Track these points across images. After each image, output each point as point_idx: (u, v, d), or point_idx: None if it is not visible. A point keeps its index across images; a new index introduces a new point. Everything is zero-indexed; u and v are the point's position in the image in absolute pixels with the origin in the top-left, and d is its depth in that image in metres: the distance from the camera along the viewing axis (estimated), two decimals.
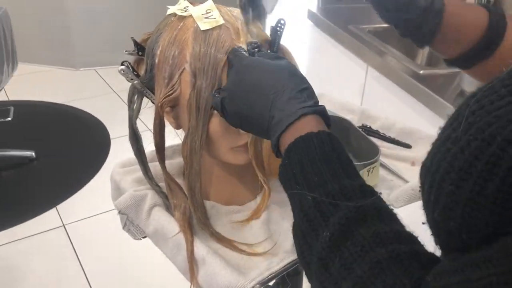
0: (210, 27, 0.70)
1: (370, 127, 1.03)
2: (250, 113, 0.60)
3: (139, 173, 0.84)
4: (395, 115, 1.53)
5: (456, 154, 0.39)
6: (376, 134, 1.01)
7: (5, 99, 3.09)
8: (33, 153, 2.59)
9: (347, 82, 1.83)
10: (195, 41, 0.70)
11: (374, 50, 1.62)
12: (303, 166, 0.51)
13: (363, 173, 0.81)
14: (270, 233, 0.77)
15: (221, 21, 0.71)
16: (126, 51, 0.84)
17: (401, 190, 0.82)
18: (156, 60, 0.74)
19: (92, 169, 2.55)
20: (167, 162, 0.86)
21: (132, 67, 0.79)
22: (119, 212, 0.80)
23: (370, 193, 0.49)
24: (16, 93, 3.15)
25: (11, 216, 2.26)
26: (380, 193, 0.49)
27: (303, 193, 0.49)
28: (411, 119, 1.43)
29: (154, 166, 0.85)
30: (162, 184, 0.82)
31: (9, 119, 2.50)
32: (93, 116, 3.03)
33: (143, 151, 0.82)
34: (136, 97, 0.79)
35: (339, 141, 0.54)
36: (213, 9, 0.73)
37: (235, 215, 0.81)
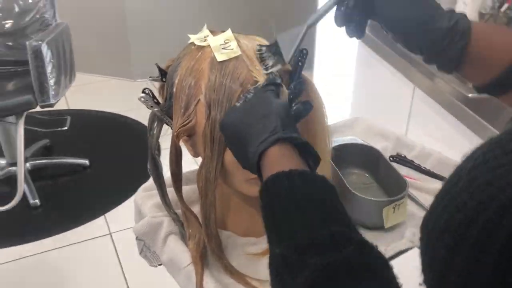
0: (226, 58, 0.69)
1: (405, 156, 0.98)
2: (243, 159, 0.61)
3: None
4: (443, 141, 1.46)
5: (452, 213, 0.36)
6: (411, 164, 0.96)
7: (66, 107, 3.24)
8: (87, 161, 2.68)
9: (394, 102, 1.76)
10: (211, 71, 0.69)
11: (421, 70, 1.54)
12: (275, 213, 0.48)
13: (389, 209, 0.77)
14: None
15: (238, 52, 0.70)
16: (150, 77, 0.84)
17: None
18: (174, 89, 0.74)
19: (141, 179, 2.61)
20: (188, 187, 0.86)
21: (152, 94, 0.79)
22: (136, 238, 0.80)
23: (346, 242, 0.44)
24: (76, 102, 3.29)
25: (64, 222, 2.35)
26: (352, 247, 0.43)
27: (271, 247, 0.46)
28: (460, 146, 1.35)
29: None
30: (180, 211, 0.81)
31: (66, 128, 2.61)
32: (146, 127, 3.10)
33: (162, 177, 0.82)
34: (156, 124, 0.79)
35: (313, 177, 0.51)
36: (231, 39, 0.71)
37: (251, 247, 0.79)
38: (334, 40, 2.31)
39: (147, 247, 0.81)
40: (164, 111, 0.78)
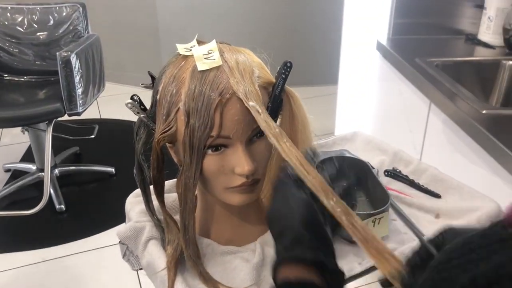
0: (207, 68, 0.70)
1: (399, 171, 0.96)
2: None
3: None
4: (457, 160, 1.41)
5: None
6: (405, 179, 0.94)
7: (98, 117, 3.34)
8: (113, 170, 2.75)
9: (410, 118, 1.73)
10: (191, 80, 0.70)
11: (438, 86, 1.51)
12: None
13: (367, 223, 0.76)
14: (259, 279, 0.74)
15: (220, 63, 0.71)
16: (142, 84, 0.87)
17: (408, 247, 0.75)
18: (158, 97, 0.76)
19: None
20: (175, 195, 0.87)
21: (140, 101, 0.81)
22: (119, 242, 0.82)
23: None
24: (107, 112, 3.40)
25: (87, 227, 2.41)
26: None
27: None
28: (476, 170, 1.30)
29: (166, 198, 0.86)
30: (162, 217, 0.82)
31: (93, 136, 2.69)
32: None
33: (147, 182, 0.83)
34: (142, 130, 0.81)
35: None
36: (214, 50, 0.73)
37: (230, 256, 0.79)
38: (357, 54, 2.30)
39: (130, 251, 0.82)
40: (150, 117, 0.79)
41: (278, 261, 0.59)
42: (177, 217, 0.79)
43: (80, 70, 2.26)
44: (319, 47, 3.63)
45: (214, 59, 0.71)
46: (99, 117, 3.35)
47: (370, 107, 2.11)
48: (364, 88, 2.18)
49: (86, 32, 2.64)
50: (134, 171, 0.83)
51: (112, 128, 3.23)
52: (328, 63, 3.07)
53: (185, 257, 0.75)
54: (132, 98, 0.80)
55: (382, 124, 2.04)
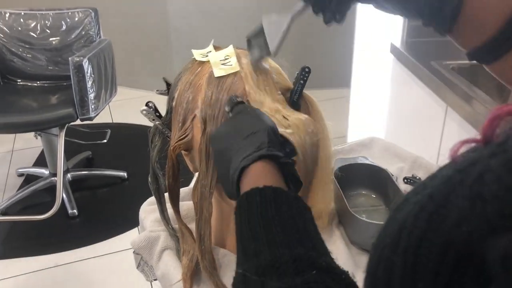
0: (224, 74, 0.69)
1: (419, 178, 0.94)
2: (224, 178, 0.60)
3: None
4: None
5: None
6: None
7: (110, 121, 3.34)
8: (125, 174, 2.74)
9: (426, 121, 1.70)
10: (208, 87, 0.69)
11: (454, 89, 1.48)
12: (243, 230, 0.47)
13: None
14: None
15: (237, 68, 0.69)
16: (157, 90, 0.85)
17: None
18: (174, 103, 0.74)
19: None
20: (190, 203, 0.86)
21: (155, 107, 0.80)
22: (134, 252, 0.80)
23: (308, 266, 0.42)
24: (119, 116, 3.40)
25: (100, 232, 2.40)
26: (315, 272, 0.42)
27: (236, 266, 0.44)
28: None
29: (181, 206, 0.84)
30: (178, 227, 0.81)
31: (105, 141, 2.69)
32: None
33: (162, 191, 0.82)
34: (157, 138, 0.80)
35: (286, 195, 0.49)
36: (231, 55, 0.71)
37: None
38: (370, 57, 2.28)
39: (144, 261, 0.81)
40: (165, 124, 0.78)
41: (256, 156, 0.53)
42: (192, 226, 0.77)
43: (92, 75, 2.26)
44: (331, 49, 3.60)
45: (231, 65, 0.70)
46: (111, 122, 3.35)
47: (384, 111, 2.09)
48: (377, 92, 2.15)
49: (98, 37, 2.65)
50: (149, 179, 0.81)
51: (124, 133, 3.22)
52: (340, 65, 3.04)
53: (201, 268, 0.73)
54: (147, 104, 0.79)
55: (396, 128, 2.01)
